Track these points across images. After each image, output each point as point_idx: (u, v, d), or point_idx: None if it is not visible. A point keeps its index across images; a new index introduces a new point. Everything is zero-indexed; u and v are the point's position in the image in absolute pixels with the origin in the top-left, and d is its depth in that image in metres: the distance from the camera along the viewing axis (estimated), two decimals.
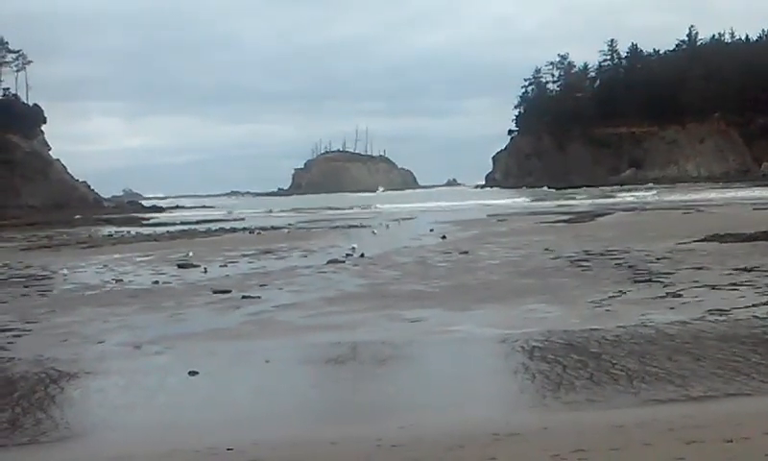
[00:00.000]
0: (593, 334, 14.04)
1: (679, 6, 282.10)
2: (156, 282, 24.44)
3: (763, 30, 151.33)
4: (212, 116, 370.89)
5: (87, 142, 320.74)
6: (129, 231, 55.84)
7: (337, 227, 51.74)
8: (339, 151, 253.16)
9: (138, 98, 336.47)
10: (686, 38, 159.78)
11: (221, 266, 28.42)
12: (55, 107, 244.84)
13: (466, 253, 29.42)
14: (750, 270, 21.26)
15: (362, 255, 29.75)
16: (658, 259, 24.70)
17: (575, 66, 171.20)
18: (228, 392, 11.80)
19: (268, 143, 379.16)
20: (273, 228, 52.87)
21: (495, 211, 65.26)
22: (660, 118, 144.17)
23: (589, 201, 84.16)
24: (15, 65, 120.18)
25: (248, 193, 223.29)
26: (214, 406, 11.02)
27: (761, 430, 8.12)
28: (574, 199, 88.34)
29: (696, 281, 19.69)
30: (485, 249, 31.08)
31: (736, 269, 21.52)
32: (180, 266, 28.53)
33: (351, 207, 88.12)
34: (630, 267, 23.22)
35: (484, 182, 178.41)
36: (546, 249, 29.49)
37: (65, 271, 28.55)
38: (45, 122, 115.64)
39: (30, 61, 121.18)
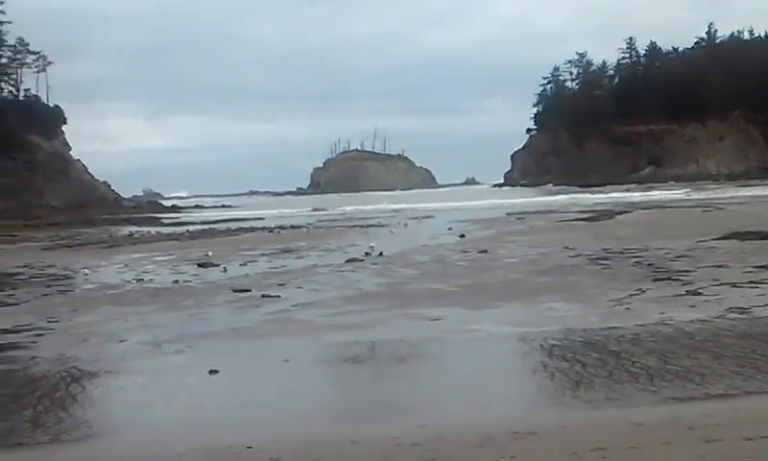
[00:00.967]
0: (613, 333, 14.01)
1: (697, 4, 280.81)
2: (177, 282, 24.55)
3: None
4: (231, 116, 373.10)
5: (108, 142, 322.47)
6: (149, 231, 56.07)
7: (356, 226, 51.78)
8: (357, 150, 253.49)
9: (158, 98, 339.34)
10: (705, 36, 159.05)
11: (240, 265, 28.52)
12: (75, 107, 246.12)
13: (484, 251, 29.39)
14: None
15: (381, 254, 29.78)
16: (677, 257, 24.61)
17: (593, 65, 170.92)
18: (247, 391, 11.86)
19: (286, 142, 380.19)
20: (292, 227, 52.95)
21: (514, 210, 65.14)
22: (679, 116, 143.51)
23: (619, 194, 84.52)
24: (36, 66, 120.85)
25: (267, 192, 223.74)
26: (234, 405, 11.08)
27: None
28: (602, 194, 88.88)
29: (716, 279, 19.61)
30: (504, 247, 31.03)
31: (756, 267, 21.42)
32: (199, 265, 28.64)
33: (369, 206, 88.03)
34: (649, 265, 23.15)
35: (502, 181, 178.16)
36: (565, 247, 29.43)
37: (86, 270, 28.72)
38: (66, 122, 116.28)
39: (50, 63, 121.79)
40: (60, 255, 36.91)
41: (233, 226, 57.17)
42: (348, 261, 28.02)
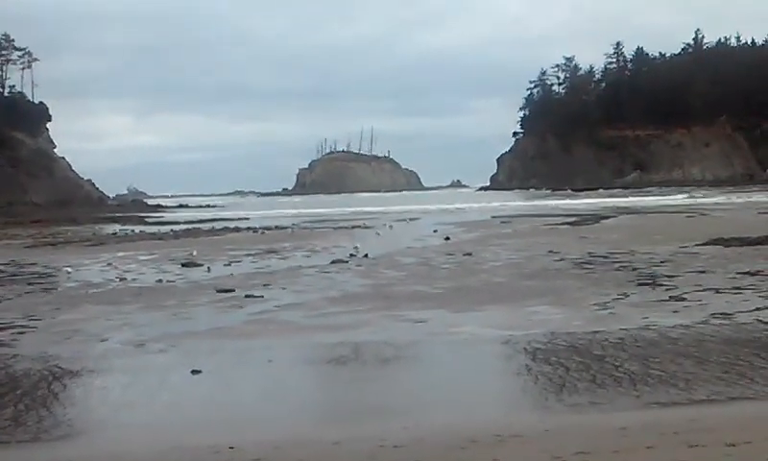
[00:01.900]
0: (596, 337, 14.02)
1: (690, 8, 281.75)
2: (160, 281, 24.45)
3: None
4: (219, 115, 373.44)
5: (94, 140, 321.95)
6: (133, 230, 55.83)
7: (340, 227, 51.74)
8: (343, 151, 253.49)
9: (145, 96, 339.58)
10: (692, 42, 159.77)
11: (225, 265, 28.44)
12: (62, 104, 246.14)
13: (469, 254, 29.40)
14: (754, 274, 21.24)
15: (366, 256, 29.75)
16: (661, 262, 24.67)
17: (581, 69, 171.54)
18: (230, 391, 11.80)
19: (274, 142, 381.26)
20: (277, 227, 52.85)
21: (499, 213, 65.23)
22: (665, 122, 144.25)
23: (613, 200, 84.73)
24: (21, 63, 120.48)
25: (252, 192, 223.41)
26: (217, 405, 11.02)
27: (764, 434, 8.12)
28: (589, 198, 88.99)
29: (699, 285, 19.67)
30: (489, 250, 31.06)
31: (740, 273, 21.49)
32: (183, 265, 28.54)
33: (354, 208, 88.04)
34: (633, 270, 23.20)
35: (488, 184, 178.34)
36: (550, 251, 29.47)
37: (69, 268, 28.56)
38: (50, 120, 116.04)
39: (36, 59, 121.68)
40: (42, 253, 36.73)
41: (218, 225, 57.05)
42: (333, 262, 27.98)
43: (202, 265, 28.06)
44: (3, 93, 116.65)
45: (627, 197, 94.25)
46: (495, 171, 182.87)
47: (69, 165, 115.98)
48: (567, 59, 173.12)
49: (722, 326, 14.70)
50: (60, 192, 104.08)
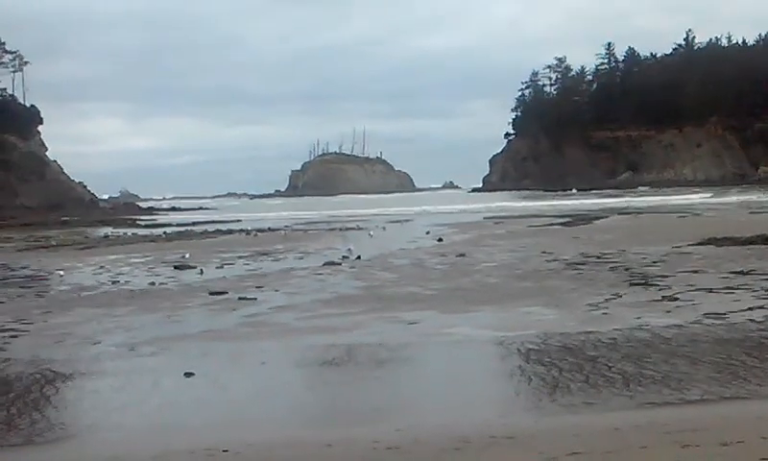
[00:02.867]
0: (589, 337, 14.04)
1: (682, 9, 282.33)
2: (153, 284, 24.41)
3: (760, 34, 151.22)
4: (211, 118, 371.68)
5: (87, 143, 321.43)
6: (125, 233, 55.73)
7: (333, 229, 51.72)
8: (336, 153, 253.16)
9: (138, 99, 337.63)
10: (683, 43, 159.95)
11: (217, 268, 28.40)
12: (54, 107, 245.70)
13: (462, 255, 29.40)
14: (746, 273, 21.29)
15: (358, 258, 29.74)
16: (654, 263, 24.70)
17: (572, 70, 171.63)
18: (223, 393, 11.78)
19: (267, 145, 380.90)
20: (269, 229, 52.81)
21: (492, 214, 65.27)
22: (657, 122, 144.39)
23: (618, 200, 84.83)
24: (12, 66, 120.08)
25: (245, 195, 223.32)
26: (210, 408, 11.01)
27: (757, 434, 8.13)
28: (588, 199, 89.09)
29: (692, 285, 19.70)
30: (481, 251, 31.06)
31: (732, 272, 21.53)
32: (176, 268, 28.50)
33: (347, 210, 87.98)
34: (626, 270, 23.22)
35: (481, 185, 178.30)
36: (543, 251, 29.49)
37: (62, 272, 28.48)
38: (42, 123, 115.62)
39: (27, 63, 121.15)
40: (34, 257, 36.62)
41: (210, 228, 56.97)
42: (326, 264, 27.96)
43: (194, 268, 28.01)
44: None
45: (642, 196, 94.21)
46: (488, 172, 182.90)
47: (61, 168, 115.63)
48: (559, 60, 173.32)
49: (715, 325, 14.73)
50: (52, 195, 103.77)
